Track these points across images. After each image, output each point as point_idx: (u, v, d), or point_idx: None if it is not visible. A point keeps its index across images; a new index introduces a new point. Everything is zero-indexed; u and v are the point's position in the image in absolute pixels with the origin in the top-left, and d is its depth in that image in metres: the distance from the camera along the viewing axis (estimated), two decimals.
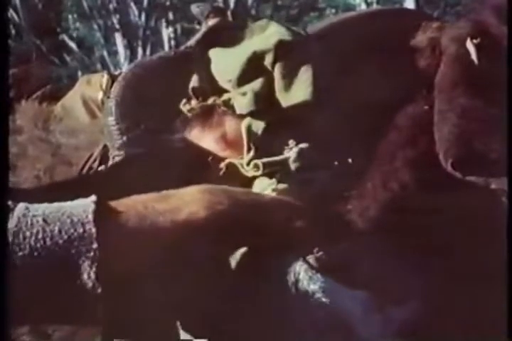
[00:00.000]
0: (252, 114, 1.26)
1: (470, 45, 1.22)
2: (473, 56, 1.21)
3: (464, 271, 1.15)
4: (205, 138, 1.31)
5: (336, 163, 1.22)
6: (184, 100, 1.32)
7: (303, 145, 1.22)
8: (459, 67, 1.23)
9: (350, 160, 1.22)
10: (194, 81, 1.32)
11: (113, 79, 1.44)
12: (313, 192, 1.20)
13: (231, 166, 1.25)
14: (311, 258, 1.10)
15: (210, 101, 1.30)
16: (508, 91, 1.16)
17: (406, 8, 6.23)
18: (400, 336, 1.12)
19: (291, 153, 1.22)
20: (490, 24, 1.24)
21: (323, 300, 1.08)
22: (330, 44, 1.29)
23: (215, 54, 1.34)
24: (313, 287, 1.09)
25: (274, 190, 1.21)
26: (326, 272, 1.10)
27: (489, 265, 1.12)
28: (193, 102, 1.33)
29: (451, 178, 1.15)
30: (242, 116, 1.27)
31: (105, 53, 11.31)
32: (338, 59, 1.27)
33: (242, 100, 1.26)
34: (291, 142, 1.23)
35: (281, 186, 1.21)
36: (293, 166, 1.22)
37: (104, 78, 1.49)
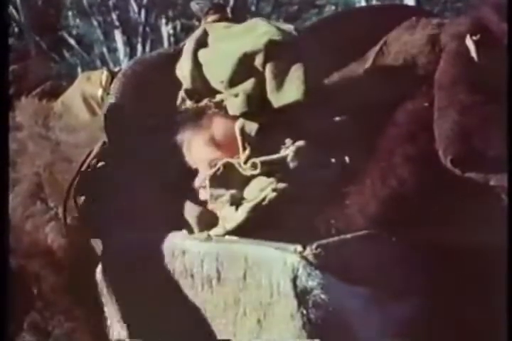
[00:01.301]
0: (245, 115, 1.26)
1: (470, 42, 1.22)
2: (473, 53, 1.21)
3: (463, 269, 1.15)
4: (196, 140, 1.31)
5: (333, 160, 1.22)
6: (179, 100, 1.32)
7: (300, 143, 1.22)
8: (458, 63, 1.22)
9: (348, 157, 1.22)
10: (187, 83, 1.32)
11: (113, 75, 1.44)
12: (313, 189, 1.20)
13: (228, 166, 1.25)
14: (309, 255, 1.10)
15: (204, 102, 1.30)
16: (508, 88, 1.16)
17: (405, 4, 6.23)
18: (399, 336, 1.12)
19: (288, 151, 1.22)
20: (490, 21, 1.24)
21: (322, 296, 1.08)
22: (324, 41, 1.29)
23: (204, 55, 1.33)
24: (311, 283, 1.09)
25: (274, 189, 1.21)
26: (325, 268, 1.10)
27: (489, 262, 1.12)
28: (188, 103, 1.32)
29: (451, 175, 1.15)
30: (234, 118, 1.27)
31: (105, 50, 11.30)
32: (331, 56, 1.26)
33: (235, 101, 1.26)
34: (288, 141, 1.23)
35: (281, 185, 1.21)
36: (291, 164, 1.22)
37: (103, 75, 1.49)
